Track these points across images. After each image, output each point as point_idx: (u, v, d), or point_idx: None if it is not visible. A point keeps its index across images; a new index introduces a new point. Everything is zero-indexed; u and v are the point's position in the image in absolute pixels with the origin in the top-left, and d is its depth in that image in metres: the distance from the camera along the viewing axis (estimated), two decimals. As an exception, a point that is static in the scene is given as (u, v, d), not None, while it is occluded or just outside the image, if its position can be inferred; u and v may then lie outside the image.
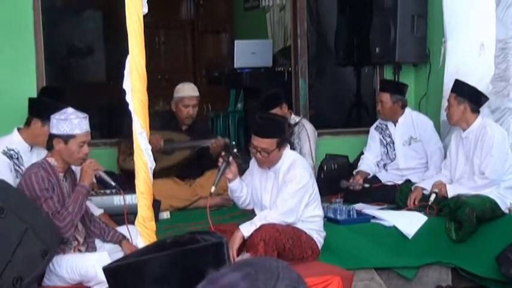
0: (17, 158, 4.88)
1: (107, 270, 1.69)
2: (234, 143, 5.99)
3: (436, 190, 5.50)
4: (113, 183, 4.53)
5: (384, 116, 6.10)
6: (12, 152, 4.86)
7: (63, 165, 4.32)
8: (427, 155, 6.00)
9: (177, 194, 5.91)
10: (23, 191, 4.19)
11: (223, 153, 4.73)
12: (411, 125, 6.01)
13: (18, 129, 4.96)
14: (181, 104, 6.07)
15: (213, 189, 4.72)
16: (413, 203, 5.61)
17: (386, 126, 6.15)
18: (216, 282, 1.23)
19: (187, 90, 6.13)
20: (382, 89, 6.19)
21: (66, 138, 4.24)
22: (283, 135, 4.71)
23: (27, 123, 4.94)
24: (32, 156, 4.92)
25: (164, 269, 1.61)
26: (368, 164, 6.16)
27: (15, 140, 4.91)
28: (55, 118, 4.28)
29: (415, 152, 6.02)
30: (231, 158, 4.69)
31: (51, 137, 4.29)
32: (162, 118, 6.23)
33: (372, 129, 6.28)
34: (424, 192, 5.64)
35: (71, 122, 4.24)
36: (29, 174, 4.21)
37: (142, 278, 1.60)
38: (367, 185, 5.92)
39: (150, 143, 5.73)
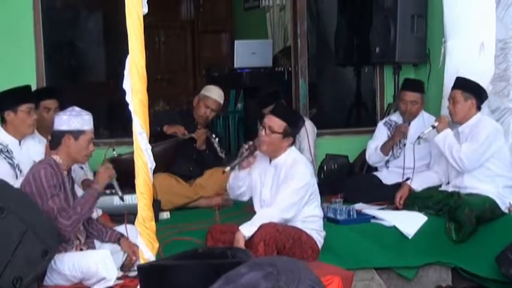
0: (7, 151, 4.90)
1: (142, 268, 1.77)
2: (214, 135, 6.18)
3: (436, 124, 5.49)
4: (120, 193, 4.53)
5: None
6: (0, 146, 4.88)
7: (67, 164, 4.34)
8: (431, 155, 5.98)
9: (177, 191, 5.92)
10: (29, 186, 4.19)
11: (251, 143, 4.76)
12: (422, 125, 5.98)
13: (2, 126, 5.00)
14: (204, 102, 6.14)
15: (227, 169, 4.82)
16: (400, 201, 5.63)
17: (396, 123, 6.14)
18: (236, 281, 1.20)
19: (215, 93, 6.21)
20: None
21: (77, 134, 4.28)
22: (293, 128, 4.75)
23: (3, 120, 4.96)
24: (21, 150, 4.95)
25: (189, 277, 1.62)
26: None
27: (0, 136, 4.95)
28: (65, 114, 4.32)
29: (421, 153, 5.97)
30: (256, 152, 4.71)
31: (60, 133, 4.30)
32: (182, 117, 6.25)
33: (381, 123, 6.29)
34: (413, 186, 5.64)
35: (82, 118, 4.31)
36: (38, 170, 4.22)
37: (168, 282, 1.61)
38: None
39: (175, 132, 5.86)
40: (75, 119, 4.29)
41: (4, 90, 5.11)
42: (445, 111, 5.85)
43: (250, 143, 4.79)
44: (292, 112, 5.01)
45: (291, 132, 4.74)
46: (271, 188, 4.74)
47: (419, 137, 5.70)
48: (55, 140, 4.35)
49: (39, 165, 4.28)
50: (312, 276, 1.23)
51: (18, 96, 5.00)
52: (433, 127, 5.54)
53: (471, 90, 5.52)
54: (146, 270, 1.76)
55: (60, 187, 4.23)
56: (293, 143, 4.81)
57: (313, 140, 6.34)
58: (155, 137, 5.83)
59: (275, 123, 4.67)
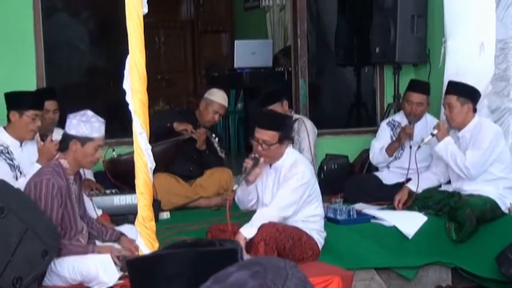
0: (7, 152, 4.90)
1: (130, 261, 1.78)
2: (214, 135, 6.16)
3: (435, 132, 5.47)
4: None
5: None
6: (0, 147, 4.89)
7: (74, 168, 4.31)
8: (432, 157, 5.96)
9: (177, 191, 5.93)
10: (29, 192, 4.17)
11: (252, 155, 4.73)
12: (425, 127, 5.96)
13: (4, 128, 5.00)
14: (212, 107, 6.13)
15: (235, 187, 4.79)
16: (399, 205, 5.62)
17: (399, 124, 6.13)
18: (224, 281, 1.21)
19: (221, 98, 6.21)
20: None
21: (84, 141, 4.22)
22: (286, 131, 4.72)
23: (8, 119, 4.97)
24: (22, 152, 4.95)
25: (177, 266, 1.64)
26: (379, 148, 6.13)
27: (1, 137, 4.94)
28: (75, 119, 4.26)
29: (423, 154, 5.94)
30: (262, 160, 4.68)
31: (68, 137, 4.27)
32: (183, 116, 6.26)
33: (384, 123, 6.27)
34: (412, 188, 5.64)
35: (92, 125, 4.24)
36: (41, 180, 4.16)
37: (156, 272, 1.63)
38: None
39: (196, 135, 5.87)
40: (84, 125, 4.23)
41: (22, 91, 5.11)
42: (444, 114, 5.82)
43: (252, 155, 4.75)
44: (277, 117, 4.92)
45: (286, 135, 4.71)
46: (272, 191, 4.73)
47: (419, 146, 5.66)
48: (64, 143, 4.30)
49: (44, 174, 4.21)
50: (300, 275, 1.24)
51: (28, 101, 4.99)
52: (433, 135, 5.51)
53: (467, 95, 5.48)
54: (134, 263, 1.77)
55: (63, 195, 4.20)
56: (290, 143, 4.80)
57: (314, 140, 6.33)
58: (165, 134, 5.88)
59: (267, 135, 4.62)
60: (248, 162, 4.68)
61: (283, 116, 5.13)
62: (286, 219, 4.67)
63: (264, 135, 4.63)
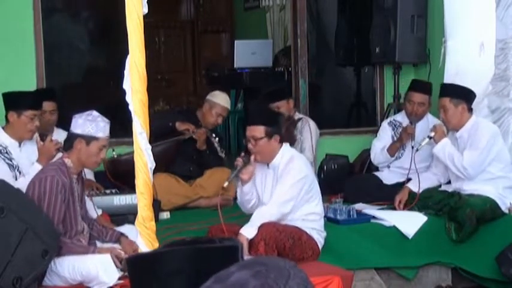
0: (6, 153, 4.90)
1: (129, 259, 1.80)
2: (214, 135, 6.18)
3: (432, 134, 5.47)
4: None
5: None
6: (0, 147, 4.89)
7: (77, 167, 4.32)
8: (432, 157, 5.94)
9: (177, 191, 5.93)
10: (33, 190, 4.17)
11: (242, 154, 4.75)
12: (427, 127, 5.95)
13: (3, 128, 5.00)
14: (216, 109, 6.15)
15: (226, 184, 4.83)
16: (399, 205, 5.61)
17: (400, 124, 6.12)
18: (225, 281, 1.21)
19: (224, 100, 6.22)
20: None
21: (89, 140, 4.24)
22: (274, 126, 4.71)
23: (7, 119, 4.97)
24: (21, 152, 4.95)
25: (177, 263, 1.65)
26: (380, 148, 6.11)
27: (0, 137, 4.94)
28: (81, 118, 4.28)
29: (423, 155, 5.93)
30: (252, 158, 4.69)
31: (73, 136, 4.28)
32: (184, 116, 6.26)
33: (385, 123, 6.25)
34: (413, 188, 5.63)
35: (97, 124, 4.26)
36: (45, 177, 4.17)
37: (156, 269, 1.64)
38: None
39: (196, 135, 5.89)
40: (90, 125, 4.24)
41: (20, 91, 5.11)
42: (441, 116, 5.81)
43: (242, 154, 4.77)
44: (265, 112, 5.04)
45: (275, 130, 4.70)
46: (271, 191, 4.73)
47: (417, 149, 5.65)
48: (68, 142, 4.32)
49: (48, 171, 4.22)
50: (302, 275, 1.24)
51: (26, 101, 4.99)
52: (430, 137, 5.50)
53: (459, 95, 5.47)
54: (134, 261, 1.78)
55: (66, 192, 4.20)
56: (282, 140, 4.76)
57: (316, 140, 6.34)
58: (166, 133, 5.88)
59: (255, 131, 4.66)
60: (239, 161, 4.71)
61: (270, 111, 5.19)
62: (285, 216, 4.66)
63: (252, 131, 4.68)
